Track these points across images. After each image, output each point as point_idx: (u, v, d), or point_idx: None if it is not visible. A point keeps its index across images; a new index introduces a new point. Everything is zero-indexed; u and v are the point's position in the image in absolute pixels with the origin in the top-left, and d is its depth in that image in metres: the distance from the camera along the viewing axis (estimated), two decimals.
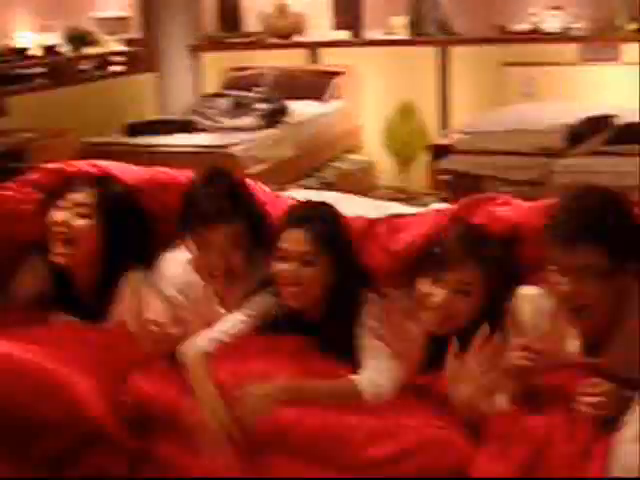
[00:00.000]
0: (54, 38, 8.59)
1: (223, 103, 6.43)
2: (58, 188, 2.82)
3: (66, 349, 2.67)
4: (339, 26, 13.16)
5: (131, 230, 2.80)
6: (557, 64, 7.00)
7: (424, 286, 2.44)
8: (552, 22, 12.48)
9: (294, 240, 2.53)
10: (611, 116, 5.72)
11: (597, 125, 5.59)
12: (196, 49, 7.76)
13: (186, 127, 6.28)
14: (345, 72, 7.43)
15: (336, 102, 7.32)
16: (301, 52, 7.75)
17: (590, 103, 6.40)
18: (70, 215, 2.74)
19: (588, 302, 2.19)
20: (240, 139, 6.04)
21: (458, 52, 7.25)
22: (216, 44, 8.00)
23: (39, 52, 7.97)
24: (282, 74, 7.42)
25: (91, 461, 2.58)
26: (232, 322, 2.62)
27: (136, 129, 6.16)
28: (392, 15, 9.36)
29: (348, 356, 2.51)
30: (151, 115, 7.33)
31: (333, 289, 2.56)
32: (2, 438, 2.59)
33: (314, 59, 7.71)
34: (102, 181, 2.86)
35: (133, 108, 7.30)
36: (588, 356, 2.24)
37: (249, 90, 6.90)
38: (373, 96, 7.42)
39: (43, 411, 2.55)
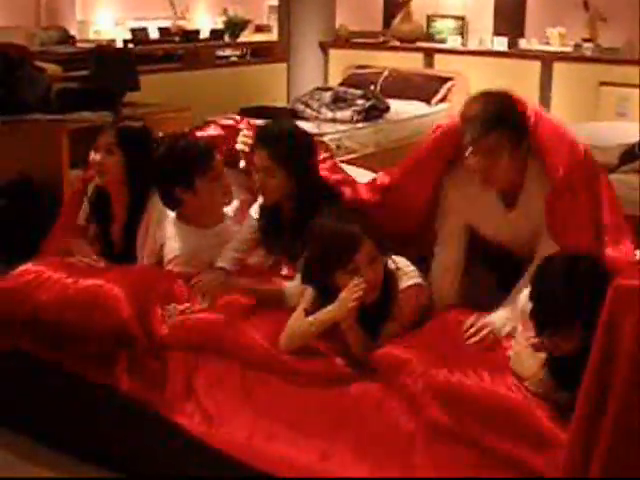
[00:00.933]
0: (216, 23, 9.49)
1: (327, 96, 7.14)
2: None
3: (106, 272, 3.45)
4: (498, 32, 13.62)
5: (147, 160, 3.56)
6: None
7: None
8: None
9: (259, 157, 3.32)
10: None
11: None
12: (325, 45, 8.50)
13: (291, 114, 7.02)
14: (454, 77, 7.97)
15: (442, 104, 7.90)
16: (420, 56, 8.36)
17: None
18: (101, 154, 3.62)
19: (494, 173, 2.93)
20: (335, 129, 6.74)
21: (560, 68, 7.66)
22: (343, 42, 8.69)
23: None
24: (398, 75, 8.06)
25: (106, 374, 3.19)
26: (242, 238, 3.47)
27: (246, 113, 6.92)
28: (551, 26, 9.76)
29: None
30: (280, 102, 8.14)
31: (295, 196, 3.30)
32: (60, 340, 3.25)
33: (431, 63, 8.29)
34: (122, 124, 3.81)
35: (263, 94, 8.11)
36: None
37: (367, 87, 7.61)
38: None
39: (91, 319, 3.21)
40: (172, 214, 3.56)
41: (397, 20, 8.65)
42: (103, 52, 6.92)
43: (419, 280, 3.05)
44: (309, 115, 7.04)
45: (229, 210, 3.64)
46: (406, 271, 3.03)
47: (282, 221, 3.41)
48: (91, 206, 3.77)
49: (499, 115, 2.91)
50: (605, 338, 2.33)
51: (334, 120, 6.96)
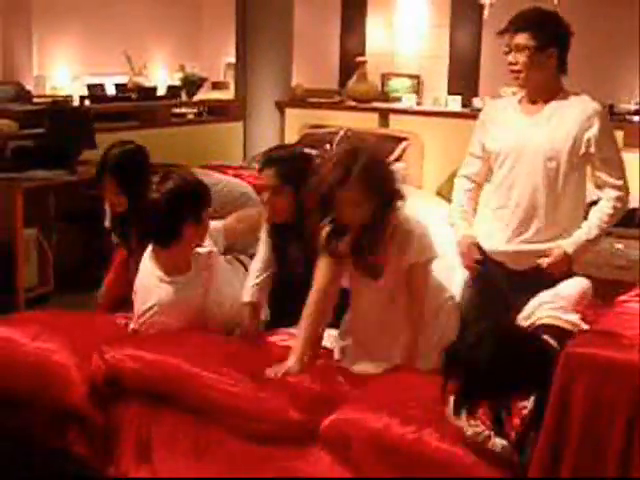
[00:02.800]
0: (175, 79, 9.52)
1: None
2: None
3: (44, 327, 3.39)
4: (453, 91, 13.84)
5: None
6: None
7: None
8: None
9: (266, 177, 3.51)
10: None
11: None
12: (281, 104, 8.57)
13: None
14: (409, 137, 8.05)
15: (397, 164, 7.96)
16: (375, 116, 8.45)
17: None
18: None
19: (529, 75, 3.35)
20: None
21: None
22: (299, 101, 8.76)
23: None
24: (354, 135, 8.11)
25: (58, 438, 3.18)
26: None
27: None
28: (505, 85, 9.92)
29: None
30: (236, 161, 8.15)
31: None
32: (10, 403, 3.23)
33: (386, 123, 8.38)
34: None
35: (219, 153, 8.13)
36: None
37: (323, 147, 7.66)
38: (432, 162, 8.02)
39: (20, 386, 3.22)
40: (147, 265, 3.50)
41: (353, 80, 8.75)
42: (59, 110, 6.90)
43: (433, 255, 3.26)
44: None
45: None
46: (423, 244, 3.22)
47: (289, 238, 3.61)
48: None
49: (530, 18, 3.42)
50: (557, 405, 2.35)
51: None
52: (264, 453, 2.85)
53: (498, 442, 2.58)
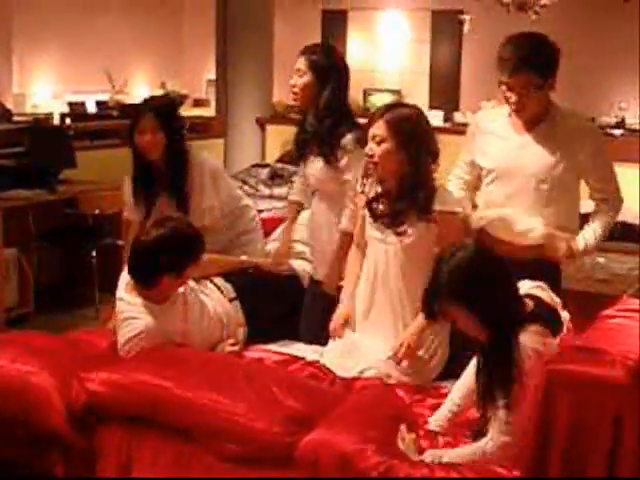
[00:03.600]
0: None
1: (264, 173, 7.18)
2: None
3: (23, 349, 3.30)
4: (434, 105, 13.89)
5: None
6: None
7: None
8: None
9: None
10: None
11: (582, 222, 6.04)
12: (262, 121, 8.57)
13: None
14: None
15: None
16: None
17: None
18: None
19: (525, 105, 3.31)
20: (272, 206, 6.75)
21: None
22: (280, 118, 8.77)
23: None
24: None
25: (39, 461, 3.10)
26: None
27: None
28: (485, 99, 9.94)
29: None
30: None
31: None
32: None
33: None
34: None
35: None
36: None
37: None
38: None
39: (20, 411, 3.08)
40: (125, 294, 3.48)
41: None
42: (39, 129, 6.88)
43: (459, 209, 3.35)
44: (246, 192, 7.04)
45: None
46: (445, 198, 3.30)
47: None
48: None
49: (528, 56, 3.29)
50: (540, 422, 2.34)
51: (271, 197, 6.99)
52: (247, 474, 2.82)
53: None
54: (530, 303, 2.74)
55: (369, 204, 3.37)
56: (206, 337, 3.54)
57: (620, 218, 6.01)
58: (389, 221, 3.33)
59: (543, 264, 3.37)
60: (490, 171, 3.48)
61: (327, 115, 3.70)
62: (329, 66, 3.79)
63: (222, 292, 3.75)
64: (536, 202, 3.38)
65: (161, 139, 3.95)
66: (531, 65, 3.28)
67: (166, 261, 3.35)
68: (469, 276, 2.65)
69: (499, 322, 2.61)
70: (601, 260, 5.61)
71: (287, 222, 4.20)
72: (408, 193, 3.27)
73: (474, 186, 3.63)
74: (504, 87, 3.32)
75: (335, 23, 14.93)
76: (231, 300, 3.76)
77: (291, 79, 3.81)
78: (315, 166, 3.74)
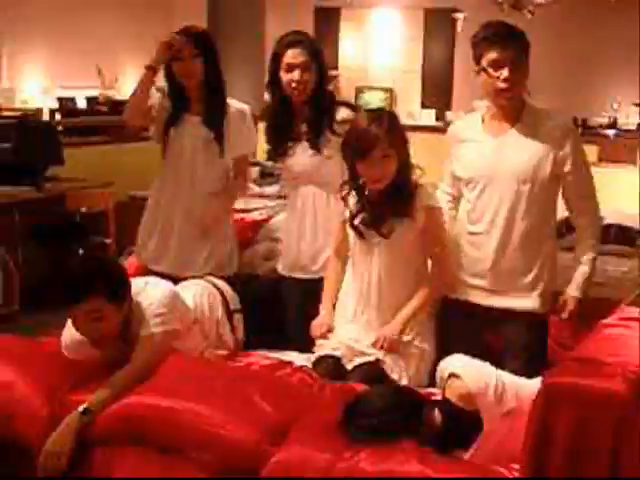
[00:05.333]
0: None
1: (253, 171, 7.09)
2: None
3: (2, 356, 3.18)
4: (426, 104, 13.86)
5: None
6: None
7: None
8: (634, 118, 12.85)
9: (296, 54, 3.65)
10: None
11: None
12: (254, 119, 8.46)
13: None
14: None
15: None
16: None
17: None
18: None
19: (515, 83, 3.22)
20: (263, 204, 6.65)
21: None
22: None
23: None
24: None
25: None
26: None
27: None
28: (478, 98, 9.89)
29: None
30: None
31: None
32: None
33: None
34: None
35: None
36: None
37: None
38: None
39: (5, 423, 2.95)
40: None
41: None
42: (26, 125, 6.79)
43: (437, 204, 3.39)
44: None
45: None
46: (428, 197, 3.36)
47: (295, 115, 3.76)
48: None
49: (512, 31, 3.29)
50: (537, 436, 2.28)
51: (261, 195, 6.89)
52: None
53: None
54: (438, 417, 2.74)
55: (352, 219, 3.40)
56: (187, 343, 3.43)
57: (615, 220, 6.03)
58: (372, 224, 3.35)
59: (531, 316, 3.36)
60: (470, 180, 3.40)
61: (328, 103, 3.72)
62: (321, 53, 3.79)
63: (227, 302, 3.67)
64: (517, 207, 3.30)
65: (201, 66, 3.92)
66: (515, 37, 3.27)
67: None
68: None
69: None
70: (597, 264, 5.55)
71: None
72: (392, 193, 3.30)
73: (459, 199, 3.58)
74: (490, 69, 3.22)
75: (328, 20, 14.86)
76: (234, 312, 3.68)
77: (288, 74, 3.69)
78: (306, 154, 3.72)
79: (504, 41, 3.24)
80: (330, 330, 3.48)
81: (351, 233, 3.44)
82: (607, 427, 2.20)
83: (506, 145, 3.32)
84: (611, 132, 12.21)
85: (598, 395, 2.22)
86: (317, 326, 3.51)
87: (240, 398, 2.89)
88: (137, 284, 3.28)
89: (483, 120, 3.40)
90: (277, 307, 3.83)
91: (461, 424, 2.70)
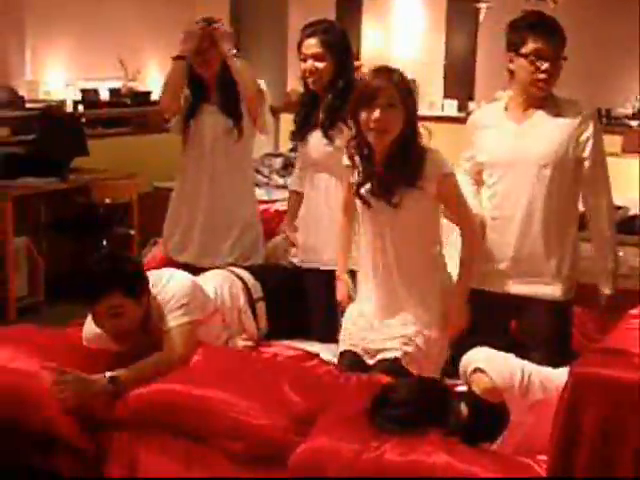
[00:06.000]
0: None
1: (277, 162, 7.09)
2: None
3: (23, 350, 3.20)
4: (448, 95, 13.80)
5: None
6: None
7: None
8: None
9: (310, 45, 3.70)
10: (620, 207, 6.07)
11: None
12: (276, 109, 8.46)
13: None
14: None
15: None
16: None
17: (619, 195, 6.69)
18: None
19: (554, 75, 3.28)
20: (285, 196, 6.66)
21: None
22: (295, 106, 8.64)
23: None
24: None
25: (45, 461, 3.00)
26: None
27: None
28: (501, 88, 9.85)
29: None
30: None
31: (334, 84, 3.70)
32: None
33: None
34: None
35: None
36: None
37: None
38: None
39: (18, 413, 2.98)
40: None
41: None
42: (50, 116, 6.81)
43: (450, 170, 3.23)
44: (259, 181, 6.94)
45: None
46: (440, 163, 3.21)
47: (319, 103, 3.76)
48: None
49: (557, 23, 3.32)
50: (566, 426, 2.27)
51: (285, 187, 6.88)
52: (253, 472, 2.75)
53: None
54: (464, 410, 2.72)
55: (358, 189, 3.28)
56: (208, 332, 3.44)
57: (638, 211, 5.98)
58: (381, 194, 3.23)
59: (554, 304, 3.37)
60: (492, 165, 3.41)
61: (348, 93, 3.63)
62: (343, 45, 3.78)
63: (249, 291, 3.67)
64: (539, 192, 3.32)
65: (218, 54, 3.95)
66: (560, 31, 3.29)
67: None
68: None
69: None
70: (620, 254, 5.51)
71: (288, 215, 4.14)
72: (400, 157, 3.17)
73: (478, 180, 3.56)
74: (532, 57, 3.24)
75: (350, 11, 14.79)
76: (257, 301, 3.69)
77: (303, 64, 3.75)
78: (320, 143, 3.74)
79: (551, 33, 3.27)
80: (351, 299, 3.46)
81: (359, 202, 3.32)
82: (635, 417, 2.18)
83: (528, 131, 3.33)
84: (635, 123, 12.12)
85: (626, 386, 2.20)
86: (341, 291, 3.51)
87: (268, 387, 2.90)
88: (156, 277, 3.30)
89: (506, 108, 3.42)
90: (299, 297, 3.83)
91: (487, 417, 2.70)
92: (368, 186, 3.24)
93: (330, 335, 3.54)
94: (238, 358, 3.27)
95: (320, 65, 3.70)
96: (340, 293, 3.51)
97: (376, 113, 3.08)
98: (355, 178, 3.29)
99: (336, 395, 2.95)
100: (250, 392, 2.87)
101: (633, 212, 6.00)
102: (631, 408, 2.18)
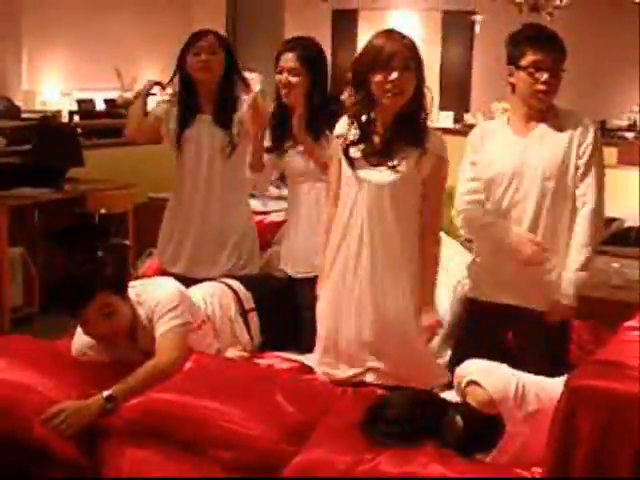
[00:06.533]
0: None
1: (273, 173, 7.08)
2: None
3: (17, 365, 3.16)
4: (444, 107, 13.82)
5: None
6: None
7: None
8: None
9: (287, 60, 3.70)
10: (616, 219, 6.09)
11: None
12: None
13: None
14: None
15: None
16: None
17: (615, 206, 6.69)
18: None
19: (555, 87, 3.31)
20: (281, 206, 6.65)
21: None
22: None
23: None
24: None
25: (41, 473, 2.94)
26: None
27: None
28: (496, 100, 9.87)
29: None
30: None
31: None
32: None
33: None
34: None
35: None
36: None
37: None
38: None
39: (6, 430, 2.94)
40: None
41: (344, 96, 8.65)
42: (46, 126, 6.81)
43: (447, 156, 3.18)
44: (255, 193, 6.95)
45: None
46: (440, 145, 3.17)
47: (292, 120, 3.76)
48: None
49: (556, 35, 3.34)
50: (560, 439, 2.27)
51: (280, 197, 6.88)
52: None
53: None
54: (459, 422, 2.72)
55: (346, 148, 3.18)
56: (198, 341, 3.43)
57: (634, 223, 5.99)
58: (380, 155, 3.13)
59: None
60: (496, 179, 3.39)
61: (323, 108, 3.72)
62: (319, 62, 3.83)
63: (241, 301, 3.67)
64: (542, 204, 3.32)
65: (220, 60, 3.96)
66: (559, 42, 3.32)
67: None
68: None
69: None
70: (616, 265, 5.52)
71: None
72: (407, 122, 3.12)
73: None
74: (532, 69, 3.26)
75: (345, 23, 14.85)
76: (249, 311, 3.68)
77: (277, 76, 3.76)
78: (301, 157, 3.77)
79: (549, 45, 3.29)
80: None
81: (345, 171, 3.21)
82: (631, 430, 2.18)
83: (531, 144, 3.34)
84: (630, 134, 12.16)
85: (621, 398, 2.20)
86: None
87: (262, 398, 2.89)
88: (142, 286, 3.32)
89: (509, 120, 3.44)
90: (291, 307, 3.83)
91: (482, 428, 2.69)
92: (362, 148, 3.15)
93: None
94: (231, 367, 3.25)
95: (294, 80, 3.73)
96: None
97: (394, 74, 3.04)
98: (348, 140, 3.19)
99: (331, 407, 2.94)
100: (244, 402, 2.86)
101: (629, 224, 6.01)
102: (626, 420, 2.18)
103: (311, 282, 3.59)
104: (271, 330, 3.69)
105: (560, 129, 3.34)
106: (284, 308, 3.81)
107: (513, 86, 3.37)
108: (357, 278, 3.22)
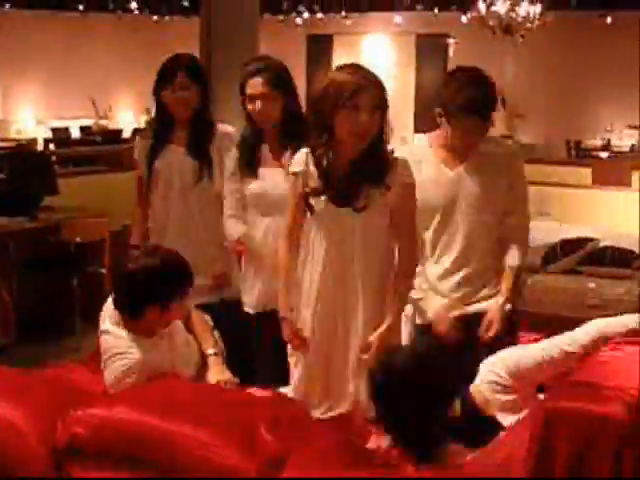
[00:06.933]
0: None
1: None
2: None
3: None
4: (419, 130, 13.90)
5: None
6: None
7: None
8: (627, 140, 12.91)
9: (257, 84, 3.56)
10: (591, 239, 6.12)
11: (573, 247, 6.01)
12: None
13: None
14: None
15: None
16: None
17: (590, 226, 6.75)
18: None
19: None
20: None
21: None
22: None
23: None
24: None
25: None
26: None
27: None
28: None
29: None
30: None
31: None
32: None
33: None
34: None
35: None
36: None
37: None
38: None
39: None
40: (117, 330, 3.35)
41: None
42: (20, 155, 6.79)
43: (413, 181, 3.02)
44: None
45: None
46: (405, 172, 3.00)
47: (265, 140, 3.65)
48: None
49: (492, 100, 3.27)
50: (537, 460, 2.26)
51: None
52: None
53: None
54: (458, 409, 2.74)
55: (312, 195, 3.02)
56: (189, 362, 3.41)
57: (610, 242, 6.04)
58: (345, 198, 2.97)
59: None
60: (426, 212, 3.30)
61: (296, 126, 3.56)
62: (288, 80, 3.70)
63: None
64: (475, 234, 3.32)
65: (193, 94, 3.89)
66: (483, 109, 3.22)
67: (153, 292, 3.23)
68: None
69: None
70: (592, 285, 5.55)
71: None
72: (367, 161, 2.94)
73: None
74: (467, 124, 3.21)
75: (320, 47, 14.92)
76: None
77: (250, 105, 3.59)
78: (277, 179, 3.58)
79: (488, 111, 3.24)
80: (302, 337, 3.20)
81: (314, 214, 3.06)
82: (607, 451, 2.18)
83: (463, 176, 3.30)
84: (604, 154, 12.26)
85: (598, 419, 2.20)
86: (289, 333, 3.21)
87: (240, 424, 2.86)
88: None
89: (431, 145, 3.38)
90: (251, 345, 3.77)
91: (477, 424, 2.74)
92: (324, 198, 3.00)
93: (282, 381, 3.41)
94: (208, 392, 3.22)
95: (269, 105, 3.57)
96: (287, 333, 3.24)
97: (363, 116, 2.84)
98: (309, 186, 3.03)
99: (309, 433, 2.91)
100: (220, 428, 2.83)
101: (604, 244, 6.05)
102: (602, 441, 2.18)
103: (274, 316, 3.41)
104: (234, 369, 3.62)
105: (488, 160, 3.31)
106: (245, 346, 3.74)
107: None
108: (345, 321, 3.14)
